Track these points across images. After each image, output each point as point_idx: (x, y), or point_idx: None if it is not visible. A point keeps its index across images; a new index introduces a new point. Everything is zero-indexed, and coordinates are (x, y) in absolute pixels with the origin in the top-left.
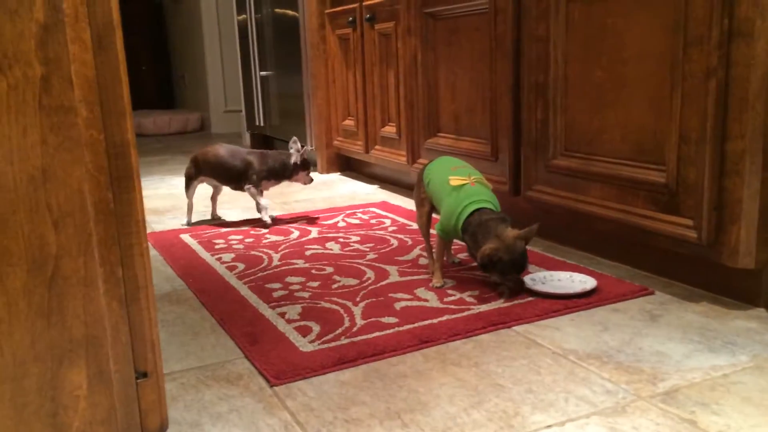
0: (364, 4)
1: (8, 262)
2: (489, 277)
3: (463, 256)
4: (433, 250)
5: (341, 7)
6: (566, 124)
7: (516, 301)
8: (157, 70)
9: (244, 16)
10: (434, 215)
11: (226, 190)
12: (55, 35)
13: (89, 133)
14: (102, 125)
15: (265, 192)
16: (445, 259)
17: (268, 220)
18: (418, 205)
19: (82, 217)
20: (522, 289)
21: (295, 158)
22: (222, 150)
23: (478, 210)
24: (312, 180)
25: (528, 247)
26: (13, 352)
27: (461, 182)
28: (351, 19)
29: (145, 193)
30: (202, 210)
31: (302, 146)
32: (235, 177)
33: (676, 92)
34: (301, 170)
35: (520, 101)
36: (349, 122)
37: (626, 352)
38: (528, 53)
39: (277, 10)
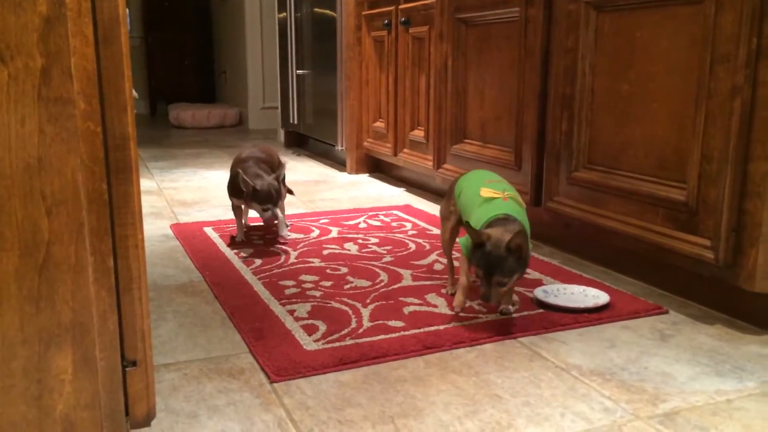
0: (400, 7)
1: (1, 246)
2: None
3: None
4: (455, 263)
5: (378, 9)
6: (590, 137)
7: (525, 312)
8: (200, 65)
9: (285, 14)
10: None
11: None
12: (57, 28)
13: (86, 125)
14: (100, 118)
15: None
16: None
17: (239, 237)
18: (444, 218)
19: (74, 206)
20: (490, 301)
21: (243, 187)
22: (247, 150)
23: (502, 218)
24: (272, 217)
25: (546, 259)
26: (2, 335)
27: (493, 195)
28: (386, 21)
29: (176, 184)
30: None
31: (272, 176)
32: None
33: (700, 109)
34: (253, 201)
35: (546, 112)
36: (379, 124)
37: (631, 371)
38: (556, 64)
39: (316, 9)
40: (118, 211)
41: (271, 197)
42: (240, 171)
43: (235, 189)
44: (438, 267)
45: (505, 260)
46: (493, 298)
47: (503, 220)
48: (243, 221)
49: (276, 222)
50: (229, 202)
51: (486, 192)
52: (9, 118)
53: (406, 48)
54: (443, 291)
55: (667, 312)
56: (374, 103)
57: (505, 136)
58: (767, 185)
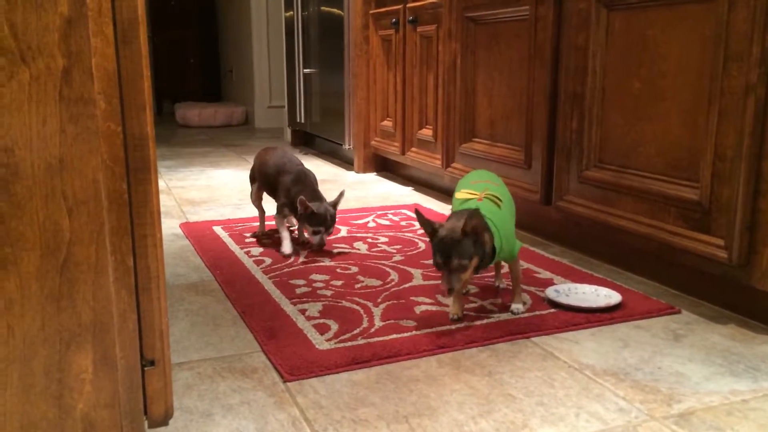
0: (407, 6)
1: (23, 246)
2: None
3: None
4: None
5: (385, 8)
6: (601, 136)
7: (536, 312)
8: (206, 64)
9: (291, 12)
10: None
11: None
12: (78, 29)
13: (107, 124)
14: (120, 118)
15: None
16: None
17: (285, 250)
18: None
19: (95, 206)
20: (451, 289)
21: (299, 207)
22: (272, 155)
23: (461, 212)
24: (320, 243)
25: (556, 258)
26: (24, 334)
27: (469, 196)
28: (394, 20)
29: (183, 183)
30: (236, 202)
31: (330, 202)
32: (272, 191)
33: (713, 108)
34: (305, 223)
35: (556, 110)
36: (387, 123)
37: (644, 371)
38: (566, 62)
39: (323, 8)
40: (137, 210)
41: (324, 221)
42: (293, 187)
43: (289, 198)
44: None
45: (460, 243)
46: (453, 283)
47: (463, 212)
48: (285, 231)
49: (323, 245)
50: (237, 203)
51: (462, 194)
52: (30, 119)
53: (414, 47)
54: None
55: (679, 312)
56: (382, 101)
57: (514, 135)
58: None
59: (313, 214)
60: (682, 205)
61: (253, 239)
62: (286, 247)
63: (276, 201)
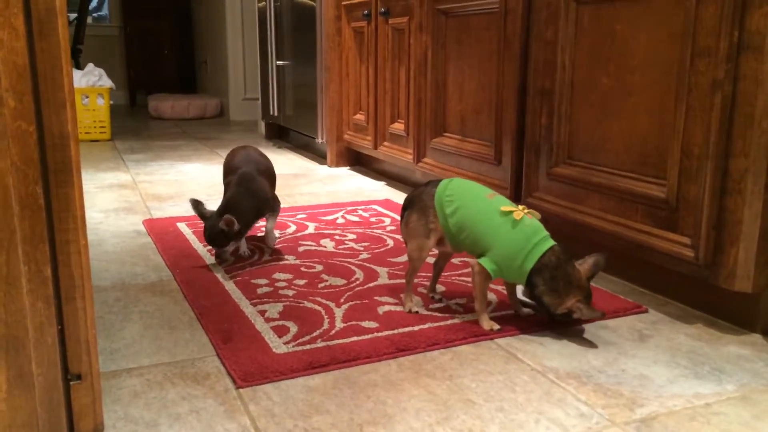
0: None
1: None
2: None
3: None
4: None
5: None
6: (570, 132)
7: (502, 312)
8: (180, 55)
9: (264, 3)
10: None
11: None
12: None
13: (17, 124)
14: (34, 116)
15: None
16: (431, 294)
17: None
18: (421, 235)
19: (4, 213)
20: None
21: (223, 226)
22: (239, 154)
23: (551, 249)
24: (222, 258)
25: None
26: None
27: (518, 212)
28: (366, 12)
29: (151, 178)
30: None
31: (217, 218)
32: None
33: (680, 104)
34: (235, 239)
35: (526, 105)
36: (360, 117)
37: (608, 373)
38: (536, 56)
39: None
40: (58, 215)
41: (213, 241)
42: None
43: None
44: None
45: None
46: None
47: (562, 263)
48: None
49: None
50: (205, 198)
51: (509, 208)
52: None
53: (386, 39)
54: (411, 310)
55: (646, 311)
56: (354, 95)
57: (484, 130)
58: (747, 182)
59: (240, 231)
60: (650, 202)
61: None
62: (243, 248)
63: None
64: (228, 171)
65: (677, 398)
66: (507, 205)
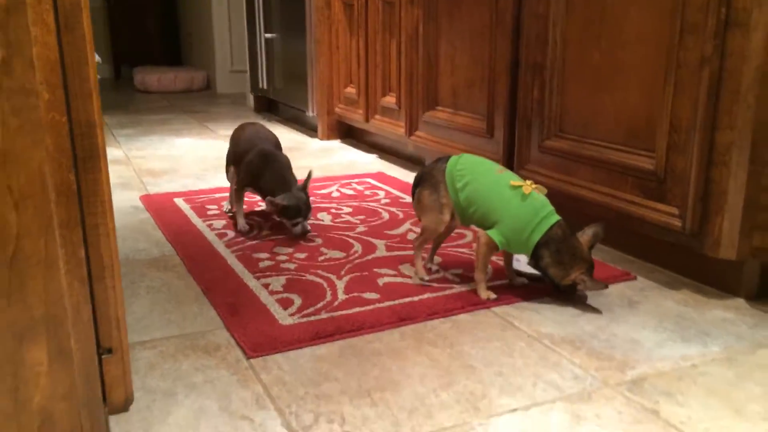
0: None
1: None
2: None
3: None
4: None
5: None
6: (561, 106)
7: (498, 282)
8: (165, 27)
9: None
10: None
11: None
12: (17, 18)
13: (51, 115)
14: (65, 107)
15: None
16: (425, 264)
17: (242, 227)
18: (435, 210)
19: (42, 199)
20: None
21: (267, 207)
22: (246, 131)
23: (557, 223)
24: (304, 232)
25: None
26: None
27: (527, 187)
28: None
29: (143, 153)
30: (197, 172)
31: (298, 187)
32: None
33: (669, 79)
34: (282, 218)
35: (518, 80)
36: (350, 90)
37: (600, 338)
38: (527, 31)
39: None
40: (86, 200)
41: (306, 211)
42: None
43: (250, 177)
44: (411, 236)
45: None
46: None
47: (567, 236)
48: (242, 206)
49: (308, 232)
50: (199, 173)
51: (518, 183)
52: None
53: (377, 12)
54: (424, 279)
55: (635, 278)
56: (345, 68)
57: (477, 104)
58: (733, 155)
59: (285, 208)
60: (639, 174)
61: (217, 212)
62: (241, 224)
63: (238, 177)
64: (241, 146)
65: (665, 360)
66: (515, 180)
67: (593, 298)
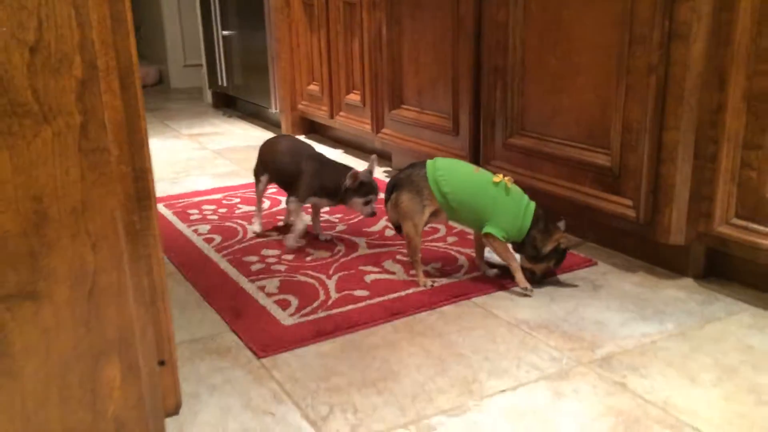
0: None
1: (55, 279)
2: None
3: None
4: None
5: None
6: (523, 106)
7: (475, 274)
8: None
9: None
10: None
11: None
12: (91, 88)
13: (120, 168)
14: (129, 159)
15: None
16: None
17: (291, 243)
18: (416, 212)
19: (114, 239)
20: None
21: (348, 181)
22: (283, 144)
23: (536, 205)
24: (372, 212)
25: None
26: (59, 354)
27: (507, 181)
28: None
29: None
30: (170, 175)
31: (368, 169)
32: (289, 182)
33: (621, 84)
34: (354, 196)
35: (481, 80)
36: (314, 87)
37: (570, 322)
38: (488, 37)
39: None
40: (142, 233)
41: (373, 188)
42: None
43: (318, 183)
44: (389, 233)
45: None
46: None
47: (545, 215)
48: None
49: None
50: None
51: (498, 178)
52: (55, 170)
53: (338, 13)
54: (427, 285)
55: (596, 264)
56: (307, 66)
57: (442, 103)
58: (679, 152)
59: (362, 184)
60: (597, 170)
61: (199, 217)
62: (292, 240)
63: (294, 192)
64: (283, 159)
65: (629, 338)
66: (494, 177)
67: (560, 284)
